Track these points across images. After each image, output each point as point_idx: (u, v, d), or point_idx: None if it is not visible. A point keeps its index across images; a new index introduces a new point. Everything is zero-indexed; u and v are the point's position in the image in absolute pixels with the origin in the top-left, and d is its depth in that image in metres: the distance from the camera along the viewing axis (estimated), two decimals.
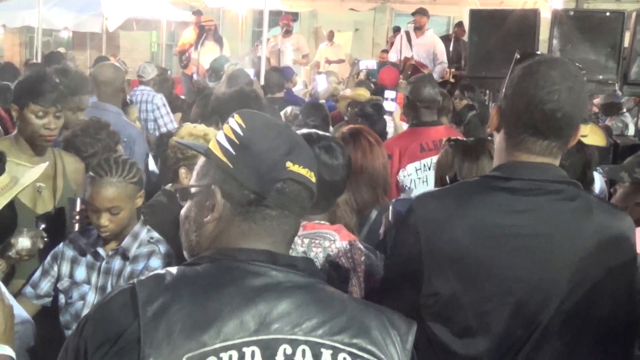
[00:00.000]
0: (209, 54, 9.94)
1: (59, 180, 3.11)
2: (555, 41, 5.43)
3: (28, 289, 2.80)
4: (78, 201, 2.85)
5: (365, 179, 2.85)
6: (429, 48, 9.79)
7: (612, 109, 7.29)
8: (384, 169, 2.98)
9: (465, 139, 3.05)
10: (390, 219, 2.58)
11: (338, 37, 14.28)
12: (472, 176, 2.31)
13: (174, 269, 1.30)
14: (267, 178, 1.31)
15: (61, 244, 2.81)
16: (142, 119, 6.39)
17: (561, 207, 1.75)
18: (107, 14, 13.36)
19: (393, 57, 10.17)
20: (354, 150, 2.77)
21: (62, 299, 2.74)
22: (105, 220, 2.61)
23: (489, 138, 2.76)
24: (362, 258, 2.13)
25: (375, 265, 2.15)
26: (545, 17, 6.38)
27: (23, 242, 2.68)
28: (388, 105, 5.83)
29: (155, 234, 2.77)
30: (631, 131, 7.12)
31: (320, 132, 2.28)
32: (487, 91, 6.92)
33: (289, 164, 1.32)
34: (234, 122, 1.37)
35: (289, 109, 5.70)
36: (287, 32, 11.55)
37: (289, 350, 1.22)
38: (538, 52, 1.89)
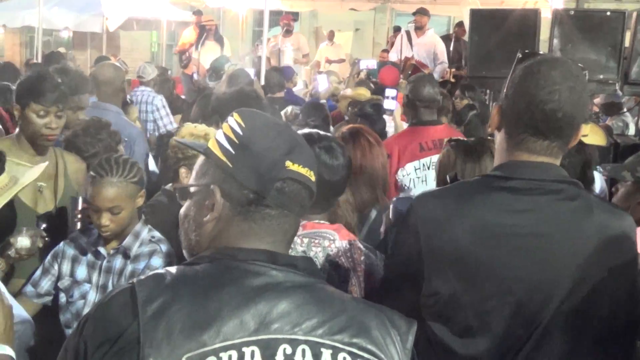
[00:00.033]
0: (210, 54, 9.94)
1: (60, 180, 3.12)
2: (555, 41, 5.43)
3: (28, 288, 2.80)
4: (80, 200, 2.85)
5: (365, 179, 2.85)
6: (430, 48, 9.79)
7: (612, 108, 7.29)
8: (383, 169, 2.98)
9: (465, 138, 3.05)
10: (390, 217, 2.57)
11: (338, 36, 14.28)
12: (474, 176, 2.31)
13: (173, 269, 1.29)
14: (266, 177, 1.31)
15: (62, 243, 2.81)
16: (141, 119, 6.39)
17: (561, 206, 1.75)
18: (108, 14, 13.36)
19: (393, 56, 10.17)
20: (353, 150, 2.77)
21: (62, 297, 2.74)
22: (106, 219, 2.61)
23: (489, 138, 2.76)
24: (362, 257, 2.12)
25: (375, 264, 2.15)
26: (546, 16, 6.37)
27: (22, 241, 2.68)
28: (388, 104, 5.83)
29: (157, 233, 2.77)
30: (632, 131, 7.11)
31: (322, 132, 2.28)
32: (488, 91, 6.92)
33: (288, 164, 1.32)
34: (234, 121, 1.36)
35: (289, 108, 5.69)
36: (288, 32, 11.55)
37: (288, 350, 1.22)
38: (540, 52, 1.88)
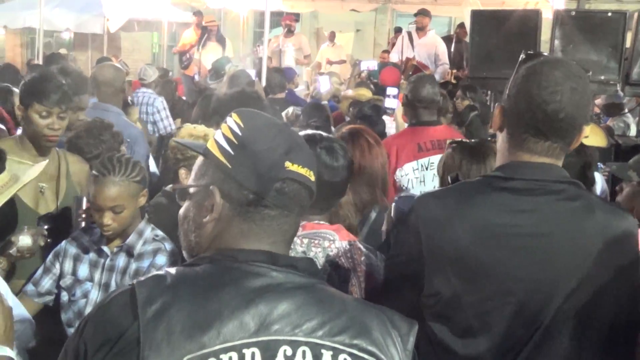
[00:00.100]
0: (212, 55, 9.94)
1: (62, 181, 3.12)
2: (556, 41, 5.43)
3: (29, 287, 2.80)
4: (84, 200, 2.85)
5: (364, 179, 2.85)
6: (431, 49, 9.79)
7: (613, 109, 7.29)
8: (382, 169, 2.98)
9: (465, 139, 3.05)
10: (392, 215, 2.57)
11: (339, 37, 14.28)
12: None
13: (173, 270, 1.29)
14: (266, 178, 1.30)
15: (64, 242, 2.81)
16: (142, 121, 6.40)
17: (563, 207, 1.75)
18: (109, 15, 13.37)
19: (394, 57, 10.18)
20: (352, 150, 2.77)
21: (64, 296, 2.74)
22: (108, 219, 2.61)
23: (490, 138, 2.76)
24: (362, 258, 2.12)
25: (375, 265, 2.14)
26: (547, 17, 6.38)
27: (24, 239, 2.69)
28: (390, 103, 5.83)
29: (160, 232, 2.78)
30: (633, 132, 7.12)
31: (324, 134, 2.27)
32: (489, 92, 6.92)
33: (288, 164, 1.31)
34: (232, 121, 1.36)
35: (290, 109, 5.70)
36: (289, 32, 11.54)
37: (289, 352, 1.21)
38: (544, 53, 1.88)
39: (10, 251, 2.69)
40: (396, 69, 9.17)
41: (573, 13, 5.68)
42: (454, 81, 8.96)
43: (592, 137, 4.18)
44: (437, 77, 8.60)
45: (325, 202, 2.12)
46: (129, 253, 2.70)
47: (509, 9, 7.58)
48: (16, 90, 4.53)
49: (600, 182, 4.05)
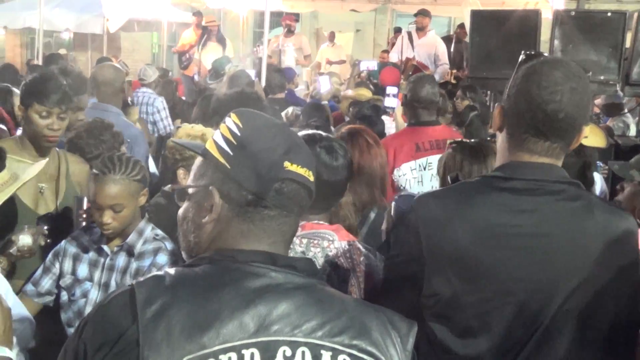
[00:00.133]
0: (212, 55, 9.93)
1: (62, 182, 3.12)
2: (556, 42, 5.43)
3: (29, 287, 2.79)
4: (85, 200, 2.85)
5: (363, 179, 2.85)
6: (431, 49, 9.79)
7: (613, 109, 7.29)
8: (381, 169, 2.98)
9: (465, 140, 3.04)
10: (392, 214, 2.56)
11: (339, 37, 14.28)
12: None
13: (172, 270, 1.29)
14: (265, 178, 1.30)
15: (63, 241, 2.81)
16: (143, 120, 6.41)
17: (562, 207, 1.75)
18: (108, 15, 13.36)
19: (394, 57, 10.18)
20: (351, 150, 2.77)
21: (64, 296, 2.74)
22: (108, 217, 2.61)
23: (490, 139, 2.75)
24: (361, 258, 2.12)
25: (374, 265, 2.14)
26: (547, 17, 6.38)
27: (24, 239, 2.69)
28: (389, 102, 5.83)
29: (160, 232, 2.77)
30: (632, 132, 7.12)
31: (324, 133, 2.27)
32: (489, 92, 6.93)
33: (287, 164, 1.31)
34: (231, 121, 1.35)
35: (290, 109, 5.70)
36: (290, 32, 11.54)
37: (288, 352, 1.21)
38: (544, 53, 1.88)
39: (11, 250, 2.69)
40: (396, 69, 9.17)
41: (573, 13, 5.68)
42: (453, 81, 8.97)
43: (592, 137, 4.18)
44: (436, 77, 8.61)
45: (325, 201, 2.12)
46: (130, 252, 2.69)
47: (509, 9, 7.58)
48: (16, 90, 4.54)
49: (599, 183, 4.05)
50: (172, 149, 3.15)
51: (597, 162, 3.71)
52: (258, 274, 1.27)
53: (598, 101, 7.11)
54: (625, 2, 14.86)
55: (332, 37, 13.63)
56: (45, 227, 2.84)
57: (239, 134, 1.33)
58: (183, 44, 11.24)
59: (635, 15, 5.56)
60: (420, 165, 4.03)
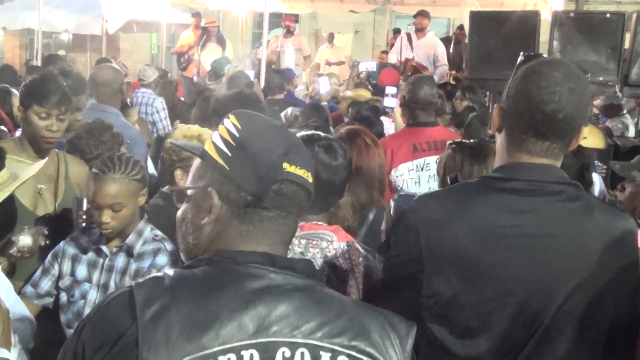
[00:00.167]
0: (211, 56, 9.93)
1: (61, 183, 3.12)
2: (555, 42, 5.44)
3: (28, 289, 2.78)
4: (84, 201, 2.84)
5: (362, 180, 2.85)
6: (430, 50, 9.79)
7: (612, 110, 7.29)
8: (380, 170, 2.98)
9: (464, 140, 3.05)
10: (392, 214, 2.56)
11: (338, 38, 14.29)
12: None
13: (171, 272, 1.29)
14: (264, 179, 1.30)
15: (62, 242, 2.80)
16: (143, 121, 6.40)
17: (562, 207, 1.75)
18: (107, 16, 13.34)
19: (393, 58, 10.18)
20: (350, 151, 2.77)
21: (63, 297, 2.73)
22: (107, 217, 2.60)
23: (489, 139, 2.75)
24: (360, 259, 2.11)
25: (373, 266, 2.14)
26: (546, 18, 6.38)
27: (24, 239, 2.68)
28: (389, 102, 5.82)
29: (159, 232, 2.76)
30: (631, 133, 7.12)
31: (323, 134, 2.27)
32: (488, 93, 6.93)
33: (285, 165, 1.31)
34: (230, 122, 1.35)
35: (289, 110, 5.70)
36: (289, 33, 11.54)
37: (287, 353, 1.21)
38: (543, 54, 1.88)
39: (11, 251, 2.68)
40: (395, 69, 9.17)
41: (572, 14, 5.70)
42: (453, 82, 8.97)
43: (590, 138, 4.18)
44: (436, 78, 8.61)
45: (324, 202, 2.11)
46: (129, 253, 2.68)
47: (508, 10, 7.60)
48: (15, 91, 4.54)
49: (598, 184, 4.06)
50: (169, 149, 3.15)
51: (595, 162, 3.70)
52: (257, 275, 1.27)
53: (597, 102, 7.11)
54: (624, 3, 14.87)
55: (331, 38, 13.64)
56: (45, 229, 2.84)
57: (237, 135, 1.33)
58: (182, 45, 11.24)
59: (634, 16, 5.57)
60: (417, 166, 4.03)
